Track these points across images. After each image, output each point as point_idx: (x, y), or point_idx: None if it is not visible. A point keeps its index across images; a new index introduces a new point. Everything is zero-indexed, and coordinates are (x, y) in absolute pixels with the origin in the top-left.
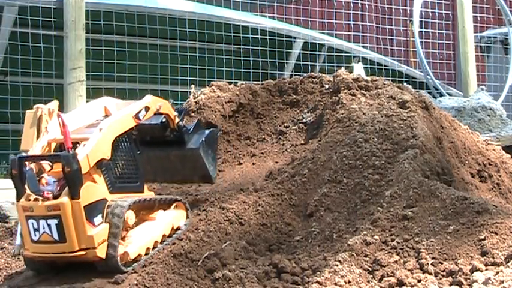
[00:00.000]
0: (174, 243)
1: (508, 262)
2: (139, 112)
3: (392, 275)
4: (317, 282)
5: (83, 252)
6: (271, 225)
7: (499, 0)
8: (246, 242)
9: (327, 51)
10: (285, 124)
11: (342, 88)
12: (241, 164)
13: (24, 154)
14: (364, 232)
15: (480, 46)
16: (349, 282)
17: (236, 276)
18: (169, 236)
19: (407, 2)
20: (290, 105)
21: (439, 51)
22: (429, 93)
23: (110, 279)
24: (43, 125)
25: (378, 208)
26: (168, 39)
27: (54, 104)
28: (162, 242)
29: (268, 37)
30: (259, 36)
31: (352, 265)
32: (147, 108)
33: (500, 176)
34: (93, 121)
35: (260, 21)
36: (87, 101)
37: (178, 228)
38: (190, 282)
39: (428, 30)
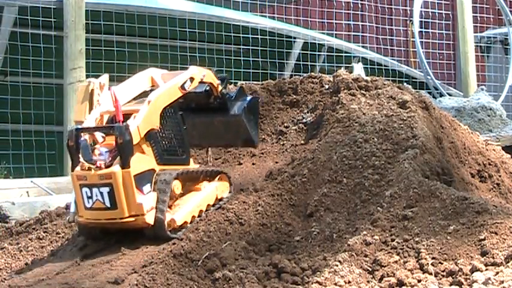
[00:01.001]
0: (174, 243)
1: (508, 262)
2: (184, 83)
3: (392, 275)
4: (317, 282)
5: (132, 219)
6: (271, 225)
7: (499, 0)
8: (246, 242)
9: (327, 51)
10: (285, 124)
11: (342, 88)
12: (241, 164)
13: (79, 126)
14: (364, 232)
15: (480, 46)
16: (349, 282)
17: (236, 276)
18: (213, 205)
19: (407, 2)
20: (290, 105)
21: (439, 51)
22: (429, 93)
23: (111, 280)
24: (95, 97)
25: (378, 208)
26: (168, 39)
27: (104, 78)
28: (206, 211)
29: (268, 37)
30: (259, 36)
31: (352, 265)
32: (191, 79)
33: (500, 176)
34: (141, 92)
35: (260, 21)
36: None
37: (221, 199)
38: (190, 282)
39: (428, 30)
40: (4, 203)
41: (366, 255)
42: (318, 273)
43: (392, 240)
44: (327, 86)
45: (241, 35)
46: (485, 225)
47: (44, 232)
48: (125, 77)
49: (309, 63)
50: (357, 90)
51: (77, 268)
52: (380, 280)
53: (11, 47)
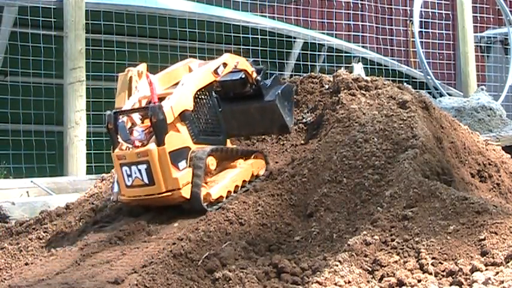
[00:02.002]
0: (174, 243)
1: (508, 262)
2: (217, 68)
3: (392, 275)
4: (317, 282)
5: (169, 193)
6: (271, 225)
7: (499, 0)
8: (246, 242)
9: (327, 51)
10: None
11: (342, 88)
12: None
13: (117, 110)
14: (364, 232)
15: (480, 46)
16: (349, 282)
17: (236, 276)
18: (249, 182)
19: (407, 2)
20: None
21: (439, 51)
22: (429, 93)
23: (111, 280)
24: (133, 84)
25: (378, 208)
26: (168, 39)
27: (143, 66)
28: (242, 187)
29: (268, 37)
30: (259, 36)
31: (352, 265)
32: (224, 65)
33: (500, 176)
34: (179, 80)
35: (260, 21)
36: (87, 101)
37: (257, 176)
38: (190, 282)
39: (428, 30)
40: (4, 203)
41: (366, 255)
42: (318, 273)
43: (392, 240)
44: (327, 86)
45: (241, 35)
46: (485, 225)
47: (44, 232)
48: None
49: (309, 63)
50: (357, 90)
51: (77, 268)
52: (380, 280)
53: (11, 47)
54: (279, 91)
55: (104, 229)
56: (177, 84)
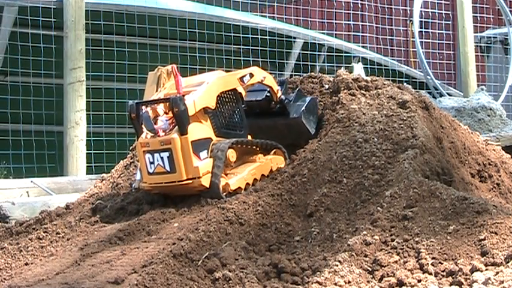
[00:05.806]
0: (174, 243)
1: (508, 262)
2: (244, 76)
3: (392, 275)
4: (317, 282)
5: (189, 181)
6: (271, 225)
7: (499, 0)
8: (246, 242)
9: (327, 51)
10: None
11: (342, 88)
12: None
13: (138, 100)
14: (364, 232)
15: (480, 46)
16: (349, 282)
17: (236, 276)
18: (267, 177)
19: (407, 2)
20: None
21: (439, 51)
22: (429, 93)
23: (111, 280)
24: (161, 81)
25: (378, 208)
26: (168, 39)
27: (172, 67)
28: (260, 181)
29: (268, 37)
30: (259, 36)
31: (352, 265)
32: (251, 75)
33: (500, 176)
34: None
35: (260, 21)
36: (87, 101)
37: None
38: (190, 282)
39: (428, 30)
40: (4, 203)
41: (366, 255)
42: (318, 273)
43: (392, 240)
44: (327, 86)
45: (241, 35)
46: (485, 225)
47: (44, 232)
48: (124, 77)
49: (309, 63)
50: (357, 90)
51: (77, 268)
52: (380, 280)
53: (11, 47)
54: (304, 108)
55: (103, 229)
56: (202, 83)
